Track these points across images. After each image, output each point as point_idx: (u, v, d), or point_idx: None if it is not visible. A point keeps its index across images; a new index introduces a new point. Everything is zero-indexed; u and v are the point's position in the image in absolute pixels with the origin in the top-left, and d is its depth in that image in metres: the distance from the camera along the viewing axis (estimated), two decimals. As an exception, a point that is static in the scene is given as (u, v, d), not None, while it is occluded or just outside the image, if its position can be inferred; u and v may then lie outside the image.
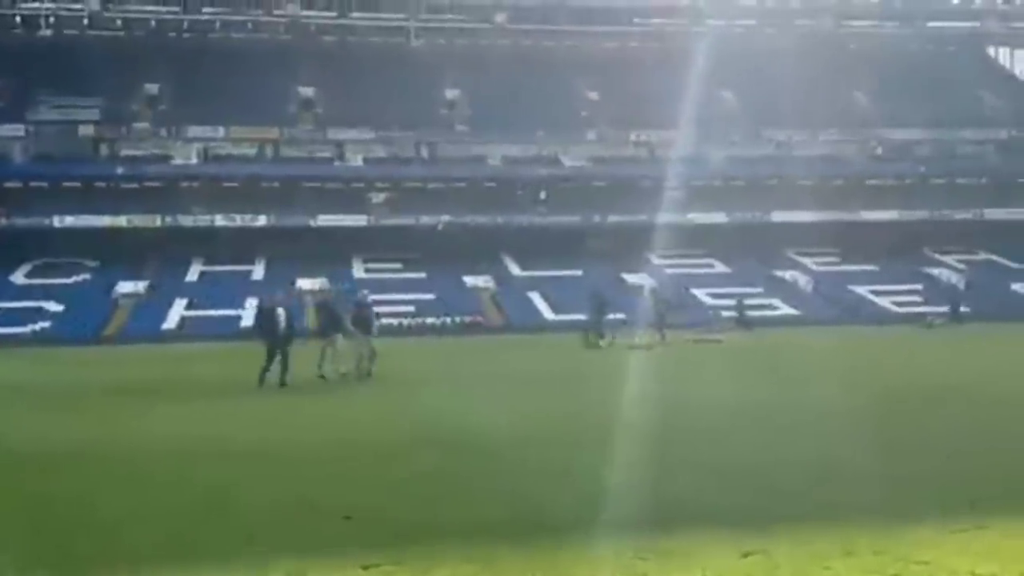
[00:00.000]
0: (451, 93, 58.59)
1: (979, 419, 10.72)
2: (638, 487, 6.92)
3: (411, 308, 44.82)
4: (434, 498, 6.78)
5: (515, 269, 52.77)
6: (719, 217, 54.62)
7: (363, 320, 17.38)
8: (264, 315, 16.83)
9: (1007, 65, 68.30)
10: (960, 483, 7.02)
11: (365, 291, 19.39)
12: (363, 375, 16.80)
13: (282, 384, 15.52)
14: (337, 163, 55.42)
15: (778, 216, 54.93)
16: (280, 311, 16.16)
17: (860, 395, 12.39)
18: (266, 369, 15.66)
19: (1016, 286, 50.05)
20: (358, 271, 51.96)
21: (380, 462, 8.42)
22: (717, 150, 56.51)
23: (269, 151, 55.49)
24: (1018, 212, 55.62)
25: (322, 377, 16.58)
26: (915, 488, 6.94)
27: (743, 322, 38.34)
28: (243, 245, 50.25)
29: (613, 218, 54.42)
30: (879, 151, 61.08)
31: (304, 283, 47.31)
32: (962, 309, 41.90)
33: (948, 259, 54.43)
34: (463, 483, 7.28)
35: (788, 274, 52.08)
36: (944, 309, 42.79)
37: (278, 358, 15.85)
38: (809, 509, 6.23)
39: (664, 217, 53.96)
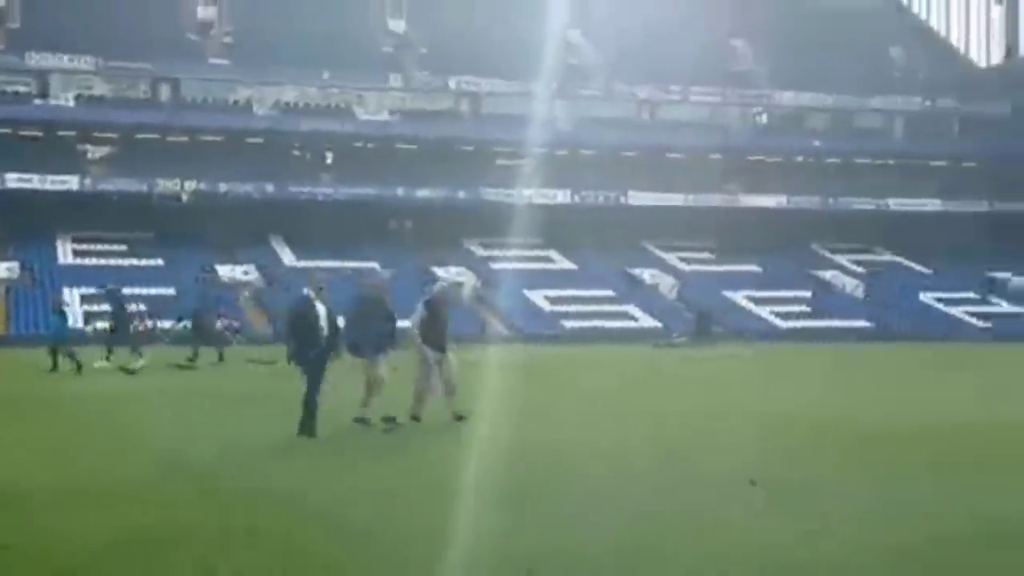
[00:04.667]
0: (204, 11, 57.90)
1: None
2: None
3: (140, 307, 44.05)
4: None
5: (288, 257, 52.82)
6: (562, 196, 56.62)
7: (438, 326, 14.51)
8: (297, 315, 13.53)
9: (923, 16, 74.09)
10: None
11: (443, 282, 16.30)
12: (457, 414, 14.26)
13: (308, 433, 12.97)
14: (38, 101, 53.73)
15: (637, 198, 57.51)
16: (320, 309, 13.26)
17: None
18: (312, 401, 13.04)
19: (925, 296, 54.58)
20: (63, 254, 50.73)
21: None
22: (561, 108, 58.45)
23: (-64, 80, 53.29)
24: (929, 203, 60.65)
25: (361, 421, 13.85)
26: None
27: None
28: None
29: (423, 193, 55.42)
30: (764, 119, 64.99)
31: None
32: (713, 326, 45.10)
33: (843, 259, 58.68)
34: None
35: (648, 274, 54.66)
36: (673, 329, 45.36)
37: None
38: None
39: (490, 194, 55.52)
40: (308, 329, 12.97)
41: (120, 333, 26.99)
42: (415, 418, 14.01)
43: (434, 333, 14.24)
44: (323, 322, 13.05)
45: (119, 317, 27.55)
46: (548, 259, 55.28)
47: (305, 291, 13.50)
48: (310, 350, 12.92)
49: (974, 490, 9.55)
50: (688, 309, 46.52)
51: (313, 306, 13.11)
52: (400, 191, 55.24)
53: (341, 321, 13.58)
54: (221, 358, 27.25)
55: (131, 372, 23.79)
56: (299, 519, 8.29)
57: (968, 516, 8.45)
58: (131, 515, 8.44)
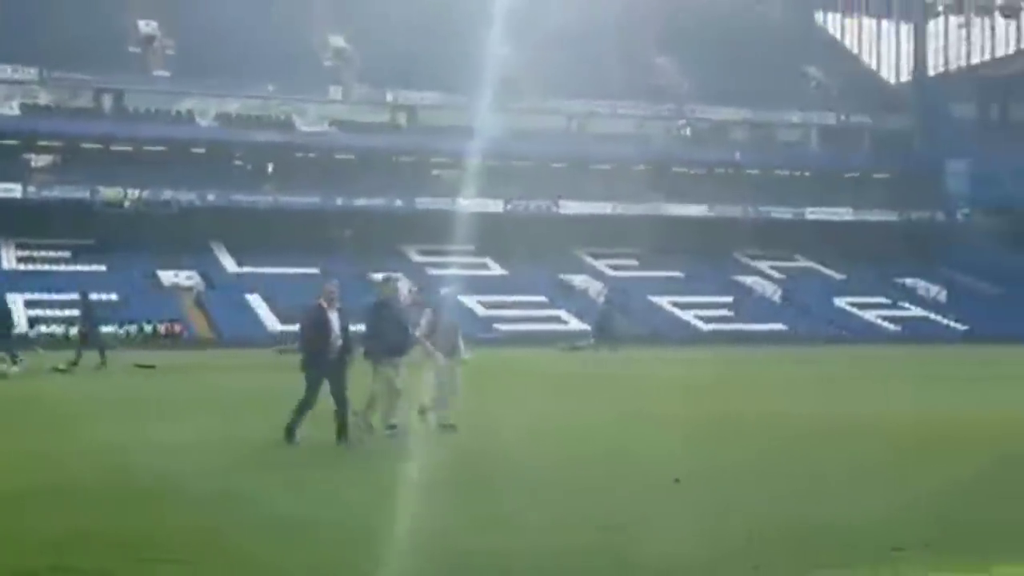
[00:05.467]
0: (146, 25, 57.24)
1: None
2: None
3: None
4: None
5: (229, 263, 52.48)
6: (495, 205, 56.82)
7: (444, 332, 14.07)
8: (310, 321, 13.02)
9: (837, 36, 75.51)
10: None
11: (447, 288, 15.96)
12: (443, 422, 13.78)
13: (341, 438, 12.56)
14: (-18, 111, 53.02)
15: (567, 207, 57.91)
16: (332, 316, 12.76)
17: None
18: (303, 410, 12.63)
19: (839, 301, 55.51)
20: (7, 259, 49.92)
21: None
22: (495, 121, 58.64)
23: None
24: (841, 212, 61.79)
25: (368, 428, 13.38)
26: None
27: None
28: None
29: (361, 201, 55.33)
30: (688, 132, 65.77)
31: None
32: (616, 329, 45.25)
33: (763, 266, 59.53)
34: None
35: (578, 279, 54.99)
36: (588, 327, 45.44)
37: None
38: None
39: (427, 203, 55.63)
40: (320, 338, 12.59)
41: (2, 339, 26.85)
42: (446, 424, 13.69)
43: (441, 339, 13.90)
44: (336, 330, 12.65)
45: (2, 323, 27.43)
46: (483, 265, 55.41)
47: (320, 300, 12.94)
48: (322, 358, 12.55)
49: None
50: (603, 313, 46.64)
51: (325, 315, 12.70)
52: (339, 200, 55.09)
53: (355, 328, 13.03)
54: (104, 362, 26.54)
55: (3, 376, 23.81)
56: (259, 521, 8.23)
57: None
58: (79, 516, 8.36)
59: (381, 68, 57.11)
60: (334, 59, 59.48)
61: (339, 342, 12.60)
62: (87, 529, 7.87)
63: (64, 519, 8.24)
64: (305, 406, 12.50)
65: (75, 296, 44.16)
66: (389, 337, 13.26)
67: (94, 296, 44.65)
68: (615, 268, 57.19)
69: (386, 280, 14.26)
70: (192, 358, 32.93)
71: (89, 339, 27.74)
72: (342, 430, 12.51)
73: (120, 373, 25.61)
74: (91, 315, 28.71)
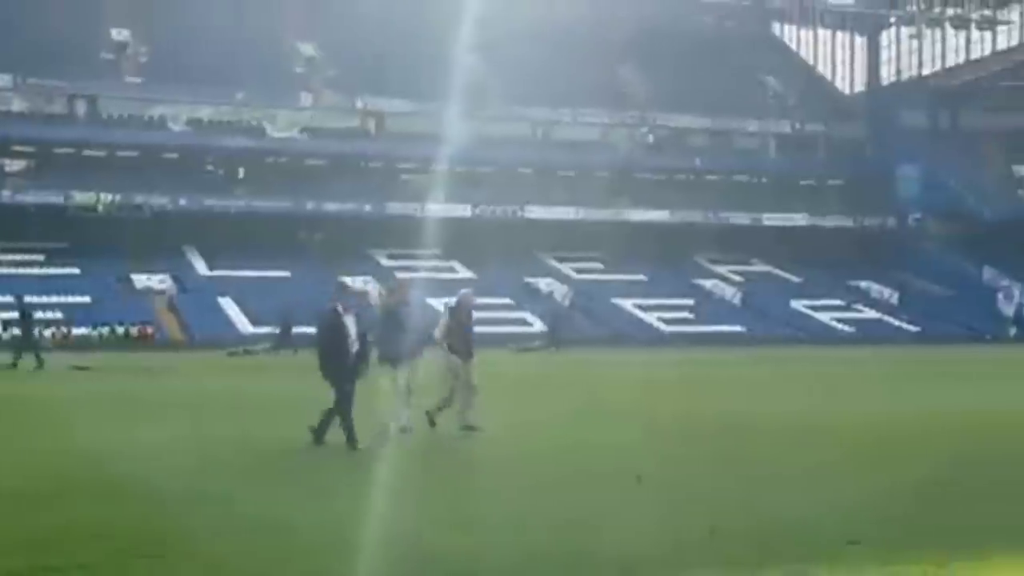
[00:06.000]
0: (119, 33, 56.98)
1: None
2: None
3: (58, 315, 43.35)
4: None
5: (201, 267, 52.34)
6: (463, 210, 56.91)
7: (462, 333, 13.96)
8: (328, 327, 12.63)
9: (794, 46, 76.19)
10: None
11: (467, 289, 15.60)
12: (464, 425, 13.51)
13: (352, 445, 12.13)
14: (-44, 117, 52.67)
15: (533, 212, 58.11)
16: (348, 321, 12.45)
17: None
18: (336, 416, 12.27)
19: (796, 303, 56.03)
20: (-17, 263, 49.57)
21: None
22: (463, 128, 58.77)
23: None
24: (798, 218, 62.38)
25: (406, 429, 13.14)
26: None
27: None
28: None
29: (331, 206, 55.33)
30: (650, 139, 66.21)
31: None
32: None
33: (722, 270, 60.00)
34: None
35: (543, 283, 55.19)
36: (543, 329, 46.00)
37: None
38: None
39: (395, 208, 55.67)
40: (337, 343, 12.27)
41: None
42: (432, 422, 13.48)
43: (459, 340, 13.78)
44: (353, 335, 12.35)
45: None
46: (450, 269, 55.43)
47: (335, 305, 12.66)
48: (340, 363, 12.21)
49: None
50: (554, 315, 46.79)
51: (341, 319, 12.39)
52: (309, 204, 55.10)
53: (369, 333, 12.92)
54: (41, 364, 26.30)
55: None
56: (234, 522, 8.16)
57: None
58: (57, 515, 8.29)
59: (351, 76, 57.23)
60: (304, 66, 59.44)
61: (355, 347, 12.31)
62: (65, 528, 7.83)
63: (42, 519, 8.19)
64: (346, 410, 12.13)
65: (53, 299, 44.33)
66: (403, 340, 13.11)
67: (71, 299, 44.99)
68: (580, 272, 57.44)
69: (390, 284, 14.16)
70: (158, 360, 32.68)
71: (23, 342, 27.66)
72: (321, 433, 12.27)
73: (81, 375, 25.40)
74: (26, 317, 28.56)
